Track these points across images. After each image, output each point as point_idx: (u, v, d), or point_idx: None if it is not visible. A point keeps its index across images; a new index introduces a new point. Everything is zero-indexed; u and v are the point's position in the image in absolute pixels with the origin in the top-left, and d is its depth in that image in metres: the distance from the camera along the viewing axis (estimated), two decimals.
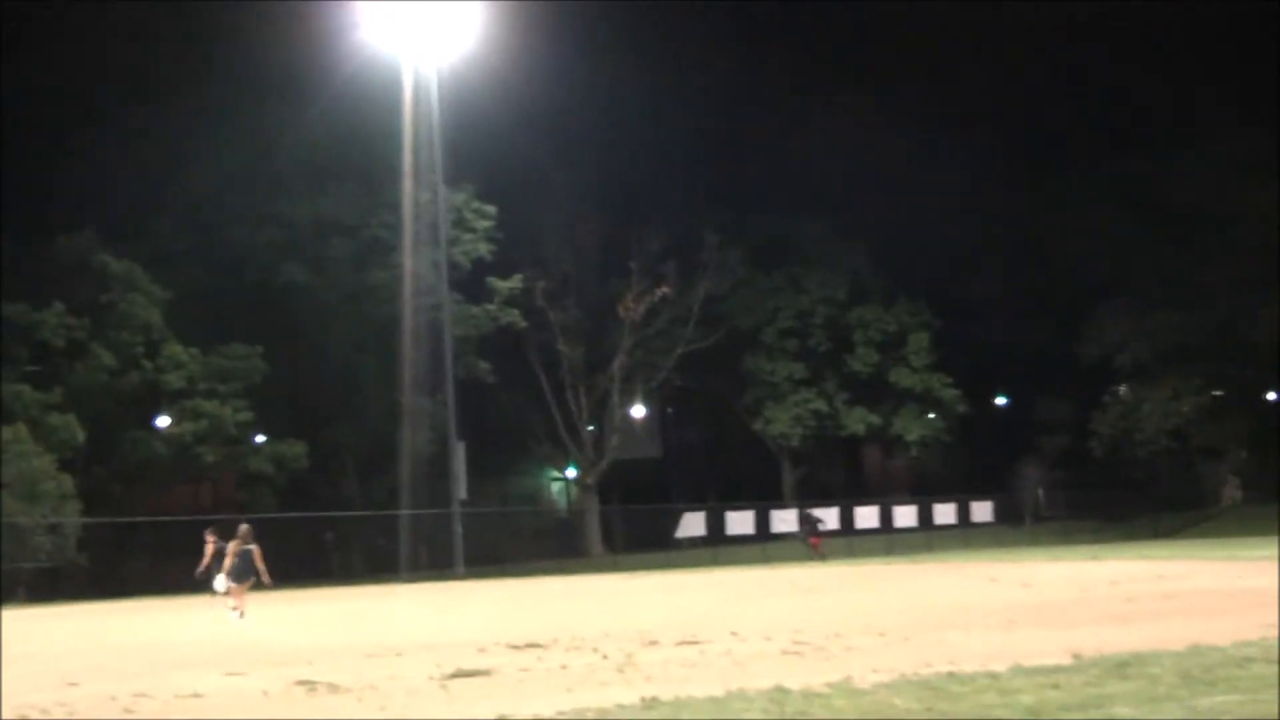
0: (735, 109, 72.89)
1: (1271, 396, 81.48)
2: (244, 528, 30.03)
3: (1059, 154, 78.45)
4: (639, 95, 70.03)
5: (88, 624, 32.35)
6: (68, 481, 53.17)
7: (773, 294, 77.78)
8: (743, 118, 73.16)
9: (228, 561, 29.29)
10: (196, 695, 14.51)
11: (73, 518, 52.72)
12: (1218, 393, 77.68)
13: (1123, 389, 78.68)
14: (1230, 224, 73.12)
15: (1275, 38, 65.95)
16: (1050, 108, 79.72)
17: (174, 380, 58.93)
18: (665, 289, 68.34)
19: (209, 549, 36.30)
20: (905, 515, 71.13)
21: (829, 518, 65.79)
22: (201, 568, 36.09)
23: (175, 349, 59.26)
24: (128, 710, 13.38)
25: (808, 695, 11.59)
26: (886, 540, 64.47)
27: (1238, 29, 71.52)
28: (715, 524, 64.46)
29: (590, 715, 11.06)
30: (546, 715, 11.21)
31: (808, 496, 75.13)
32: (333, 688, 14.39)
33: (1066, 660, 12.87)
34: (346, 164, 62.01)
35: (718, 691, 12.14)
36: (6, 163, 57.86)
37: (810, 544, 55.71)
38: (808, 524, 58.45)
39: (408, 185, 56.98)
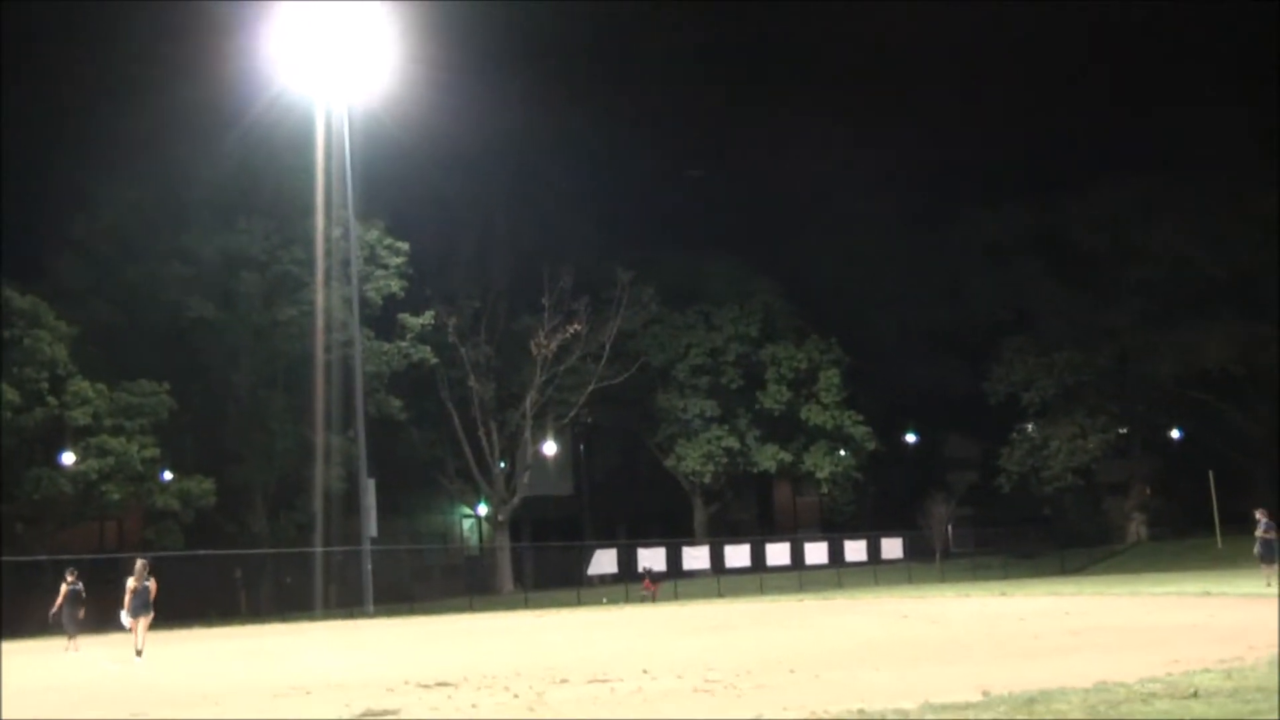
0: (647, 145, 73.30)
1: (1174, 434, 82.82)
2: (140, 563, 29.72)
3: (968, 194, 79.49)
4: (551, 133, 70.36)
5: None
6: None
7: (685, 331, 78.04)
8: (655, 154, 73.53)
9: (127, 598, 28.96)
10: None
11: None
12: (1122, 430, 78.86)
13: (1030, 426, 79.68)
14: (1128, 264, 74.51)
15: (1177, 86, 67.35)
16: (960, 149, 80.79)
17: (79, 416, 58.12)
18: (577, 325, 68.38)
19: (64, 588, 35.86)
20: (816, 552, 71.50)
21: (739, 555, 66.16)
22: (55, 608, 35.60)
23: (81, 385, 58.45)
24: None
25: None
26: (798, 577, 64.74)
27: (1142, 75, 72.88)
28: (626, 561, 64.47)
29: None
30: None
31: (719, 533, 75.33)
32: None
33: (976, 697, 12.97)
34: (256, 199, 61.60)
35: None
36: None
37: (645, 587, 56.03)
38: (646, 573, 58.81)
39: (320, 221, 56.77)
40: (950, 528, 79.65)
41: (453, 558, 76.73)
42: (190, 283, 60.77)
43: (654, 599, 52.65)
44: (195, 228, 61.01)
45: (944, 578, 63.12)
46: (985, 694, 13.16)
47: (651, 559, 59.07)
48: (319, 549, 57.19)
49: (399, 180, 60.24)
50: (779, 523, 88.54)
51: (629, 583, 60.69)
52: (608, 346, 70.80)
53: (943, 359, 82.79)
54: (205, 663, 27.05)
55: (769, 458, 78.78)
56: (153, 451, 58.73)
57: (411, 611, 51.23)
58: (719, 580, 62.95)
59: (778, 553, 69.67)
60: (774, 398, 78.45)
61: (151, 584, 29.25)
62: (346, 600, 54.79)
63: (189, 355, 61.47)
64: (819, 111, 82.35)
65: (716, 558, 68.46)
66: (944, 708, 12.33)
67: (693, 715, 12.79)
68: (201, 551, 55.41)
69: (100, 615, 37.28)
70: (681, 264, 77.25)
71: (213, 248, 60.88)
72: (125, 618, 28.85)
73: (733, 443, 77.80)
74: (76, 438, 58.14)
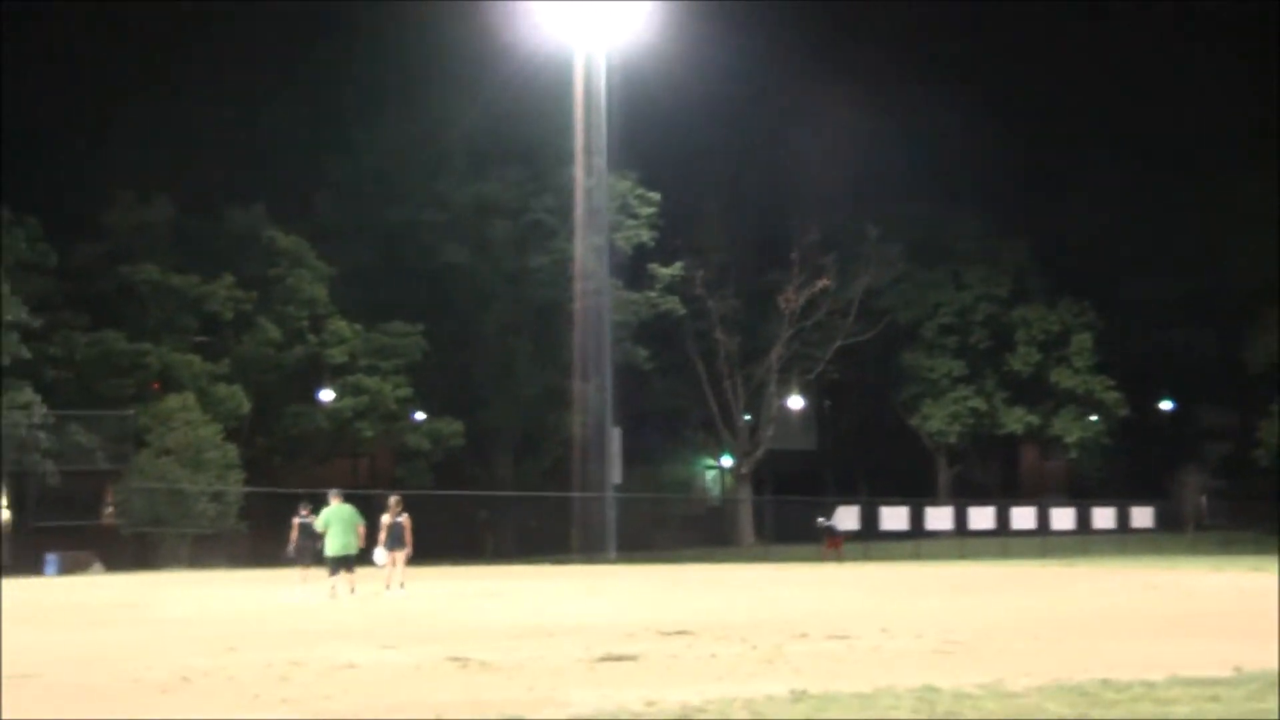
0: (898, 101, 72.18)
1: None
2: (394, 499, 30.43)
3: (1229, 157, 76.63)
4: (804, 87, 69.73)
5: (246, 591, 33.02)
6: (232, 451, 54.40)
7: (933, 289, 77.06)
8: (907, 111, 72.40)
9: (381, 534, 29.67)
10: (350, 666, 14.73)
11: (235, 487, 53.90)
12: None
13: None
14: None
15: None
16: (1224, 109, 77.89)
17: (337, 355, 59.94)
18: (825, 281, 67.93)
19: (296, 522, 36.87)
20: (1062, 517, 70.08)
21: (983, 517, 65.28)
22: (290, 542, 36.64)
23: (339, 324, 60.26)
24: (284, 678, 13.62)
25: (958, 695, 11.46)
26: (1042, 542, 63.60)
27: None
28: (869, 518, 64.04)
29: (738, 705, 11.02)
30: (694, 703, 11.21)
31: (962, 494, 74.39)
32: (483, 665, 14.52)
33: (1226, 673, 12.56)
34: (511, 146, 62.43)
35: (866, 688, 12.05)
36: (183, 138, 59.38)
37: (829, 545, 54.61)
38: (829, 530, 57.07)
39: (576, 171, 57.30)
40: (1204, 499, 77.42)
41: (694, 508, 77.07)
42: (445, 227, 61.93)
43: (839, 558, 51.91)
44: (451, 173, 62.13)
45: (1195, 550, 61.34)
46: (1237, 670, 12.75)
47: (838, 517, 58.23)
48: (563, 494, 57.95)
49: (652, 130, 60.40)
50: (1024, 486, 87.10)
51: (871, 540, 60.29)
52: (855, 303, 70.25)
53: (1199, 325, 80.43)
54: (450, 601, 27.61)
55: (1016, 420, 77.57)
56: (405, 391, 60.26)
57: (651, 559, 51.63)
58: (961, 542, 62.23)
59: (1022, 516, 68.48)
60: (1023, 360, 77.12)
61: (405, 519, 29.95)
62: (588, 546, 55.41)
63: (442, 299, 62.70)
64: (1073, 73, 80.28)
65: (959, 519, 67.65)
66: (1192, 682, 11.98)
67: (931, 677, 12.64)
68: (449, 492, 56.53)
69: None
70: (931, 222, 76.18)
71: (467, 193, 61.93)
72: (379, 553, 29.57)
73: (979, 404, 76.77)
74: (333, 375, 59.91)
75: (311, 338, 59.96)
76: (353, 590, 28.28)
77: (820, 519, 55.02)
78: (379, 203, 62.47)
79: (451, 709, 11.01)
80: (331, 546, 28.77)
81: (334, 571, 28.59)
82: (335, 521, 28.93)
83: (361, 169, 62.80)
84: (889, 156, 72.59)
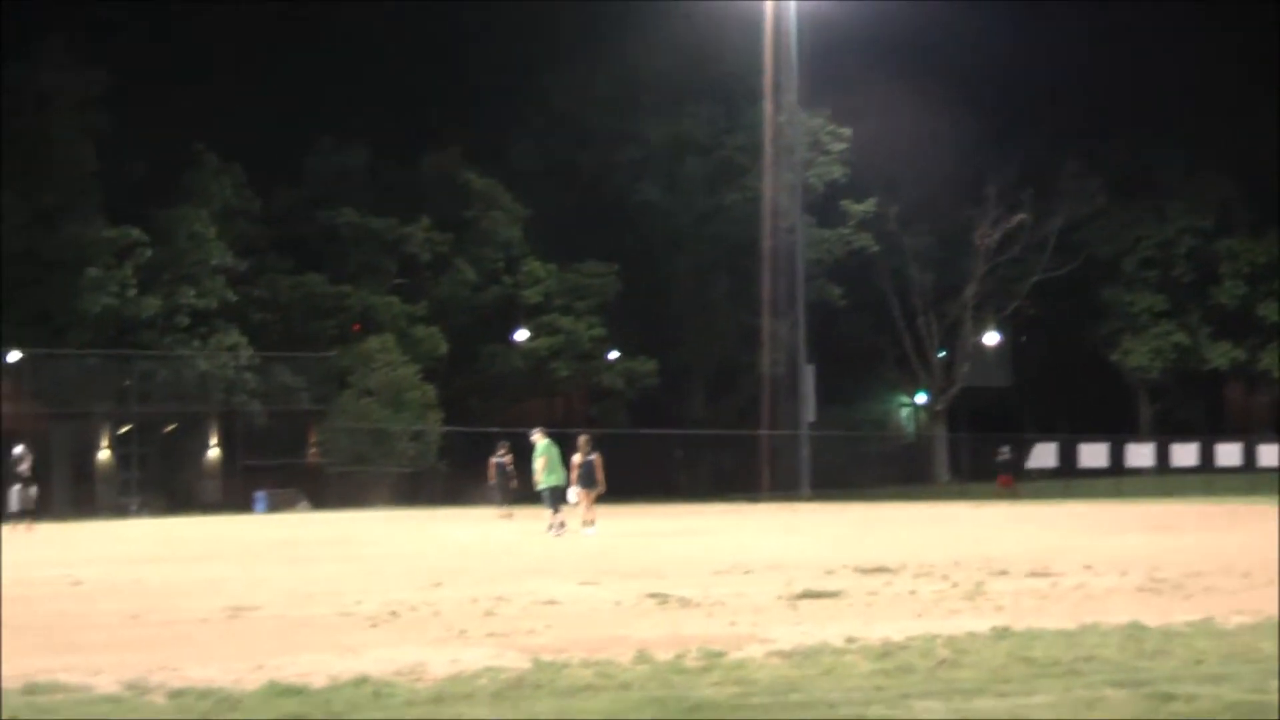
0: (1095, 34, 70.44)
1: None
2: (583, 438, 30.68)
3: None
4: (996, 20, 68.37)
5: (448, 528, 33.67)
6: (430, 391, 55.40)
7: (1133, 223, 75.19)
8: (1104, 43, 70.63)
9: (573, 473, 29.97)
10: (552, 602, 14.96)
11: (434, 426, 54.89)
12: None
13: None
14: None
15: None
16: None
17: (532, 296, 60.63)
18: (1021, 216, 66.79)
19: (493, 461, 37.34)
20: (1270, 454, 68.23)
21: (1186, 454, 63.91)
22: (489, 479, 37.14)
23: (534, 265, 60.92)
24: (489, 613, 13.89)
25: (1167, 633, 11.30)
26: (1249, 479, 61.99)
27: None
28: (1067, 455, 63.04)
29: (940, 643, 10.99)
30: (896, 640, 11.20)
31: (1164, 431, 72.85)
32: (683, 602, 14.65)
33: None
34: (703, 84, 62.29)
35: (1070, 625, 11.95)
36: (380, 84, 60.27)
37: (1001, 483, 53.39)
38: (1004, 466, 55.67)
39: (767, 107, 57.00)
40: None
41: (888, 445, 76.62)
42: (638, 167, 62.11)
43: (1014, 495, 51.02)
44: (644, 113, 62.20)
45: None
46: None
47: (1017, 454, 57.07)
48: (756, 432, 57.99)
49: (844, 64, 59.77)
50: (1229, 422, 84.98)
51: (1069, 478, 59.39)
52: (1052, 238, 68.99)
53: None
54: (646, 538, 27.88)
55: (1221, 355, 75.58)
56: (599, 331, 60.75)
57: (846, 497, 51.49)
58: (1164, 479, 60.99)
59: (1228, 453, 66.71)
60: (1229, 293, 75.06)
61: (596, 458, 30.24)
62: (782, 484, 55.43)
63: (635, 238, 62.91)
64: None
65: (1161, 456, 66.26)
66: None
67: (1138, 614, 12.46)
68: (643, 430, 56.92)
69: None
70: (1131, 155, 74.36)
71: (660, 133, 61.98)
72: (572, 492, 29.91)
73: (1182, 338, 74.95)
74: (529, 316, 60.59)
75: (507, 279, 60.73)
76: (563, 525, 28.68)
77: (1001, 451, 54.36)
78: (573, 144, 62.83)
79: (653, 644, 11.13)
80: (545, 480, 29.29)
81: (555, 505, 29.10)
82: (545, 456, 29.45)
83: (555, 110, 63.18)
84: (1088, 89, 70.99)
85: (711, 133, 62.69)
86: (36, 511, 37.81)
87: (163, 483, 54.08)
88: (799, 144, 58.28)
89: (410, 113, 62.32)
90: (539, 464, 29.60)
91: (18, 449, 38.42)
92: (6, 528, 35.78)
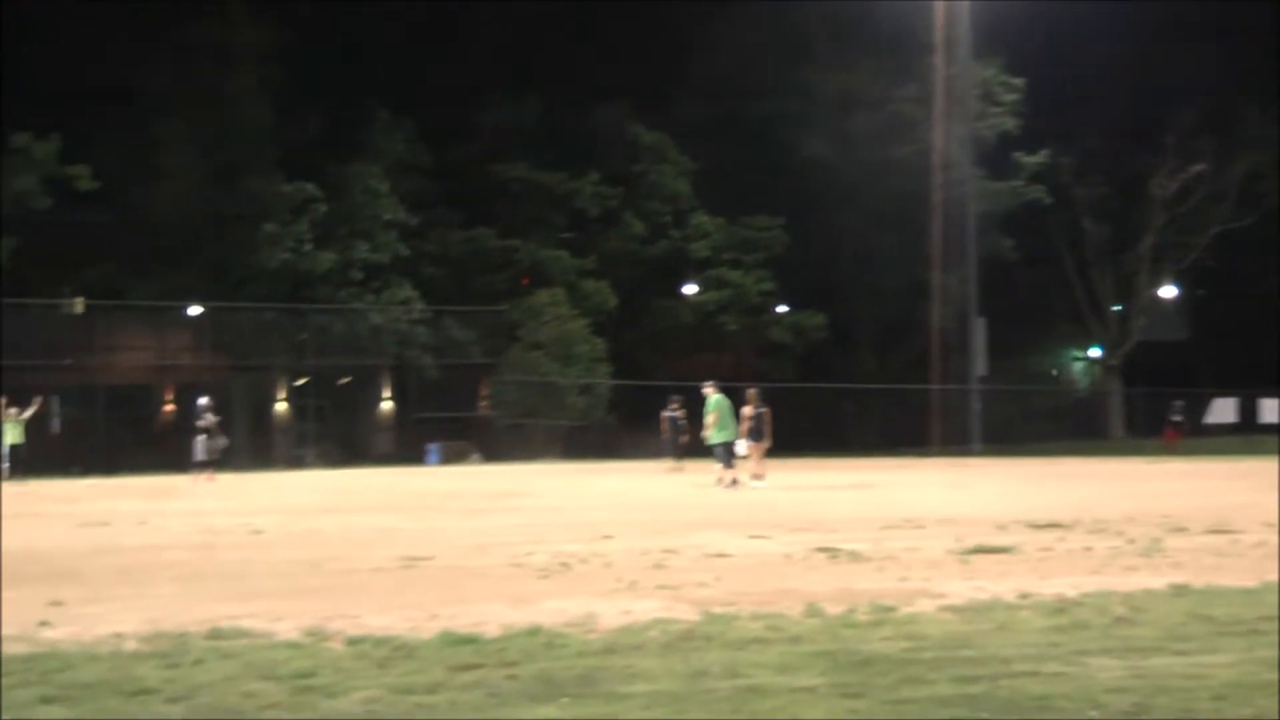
0: None
1: None
2: (751, 392, 30.71)
3: None
4: None
5: (616, 481, 33.90)
6: (599, 345, 55.75)
7: None
8: None
9: (744, 426, 29.99)
10: (722, 555, 15.01)
11: (603, 380, 55.25)
12: None
13: None
14: None
15: None
16: None
17: (700, 249, 60.73)
18: (1201, 166, 65.23)
19: (665, 415, 37.45)
20: None
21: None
22: (663, 434, 37.29)
23: (702, 219, 60.97)
24: (658, 565, 13.97)
25: None
26: None
27: None
28: (1247, 411, 61.67)
29: (1115, 600, 10.83)
30: (1070, 596, 11.07)
31: None
32: (854, 556, 14.61)
33: None
34: (873, 36, 61.60)
35: (1251, 582, 11.71)
36: (550, 37, 60.53)
37: (1167, 438, 51.91)
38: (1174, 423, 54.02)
39: (938, 59, 56.29)
40: None
41: (1061, 400, 75.52)
42: (805, 120, 61.68)
43: (1175, 451, 49.77)
44: (813, 65, 61.71)
45: None
46: None
47: (1187, 411, 55.65)
48: (926, 386, 57.51)
49: (1016, 13, 58.73)
50: None
51: (1250, 433, 58.09)
52: (1233, 188, 67.30)
53: None
54: (815, 492, 27.82)
55: None
56: (768, 285, 60.67)
57: (1018, 452, 50.88)
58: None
59: None
60: None
61: (765, 411, 30.23)
62: (953, 439, 54.97)
63: (803, 191, 62.53)
64: None
65: None
66: None
67: None
68: (811, 384, 56.72)
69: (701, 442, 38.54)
70: None
71: (828, 85, 61.46)
72: (741, 445, 29.93)
73: None
74: (697, 270, 60.68)
75: (675, 232, 60.86)
76: (735, 481, 28.76)
77: (1174, 406, 53.30)
78: (740, 97, 62.55)
79: (824, 598, 11.11)
80: (717, 435, 29.39)
81: (726, 460, 29.19)
82: (717, 411, 29.54)
83: (723, 63, 62.92)
84: (1271, 31, 68.97)
85: (880, 86, 62.03)
86: (220, 462, 38.73)
87: (337, 434, 55.16)
88: (970, 96, 57.48)
89: (580, 67, 62.49)
90: (710, 419, 29.69)
91: (202, 400, 39.31)
92: (189, 478, 36.78)
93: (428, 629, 9.85)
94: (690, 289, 61.32)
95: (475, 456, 51.70)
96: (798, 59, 61.84)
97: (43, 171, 47.27)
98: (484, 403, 58.18)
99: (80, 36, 50.34)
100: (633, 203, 59.81)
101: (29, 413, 39.13)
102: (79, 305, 49.92)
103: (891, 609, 10.42)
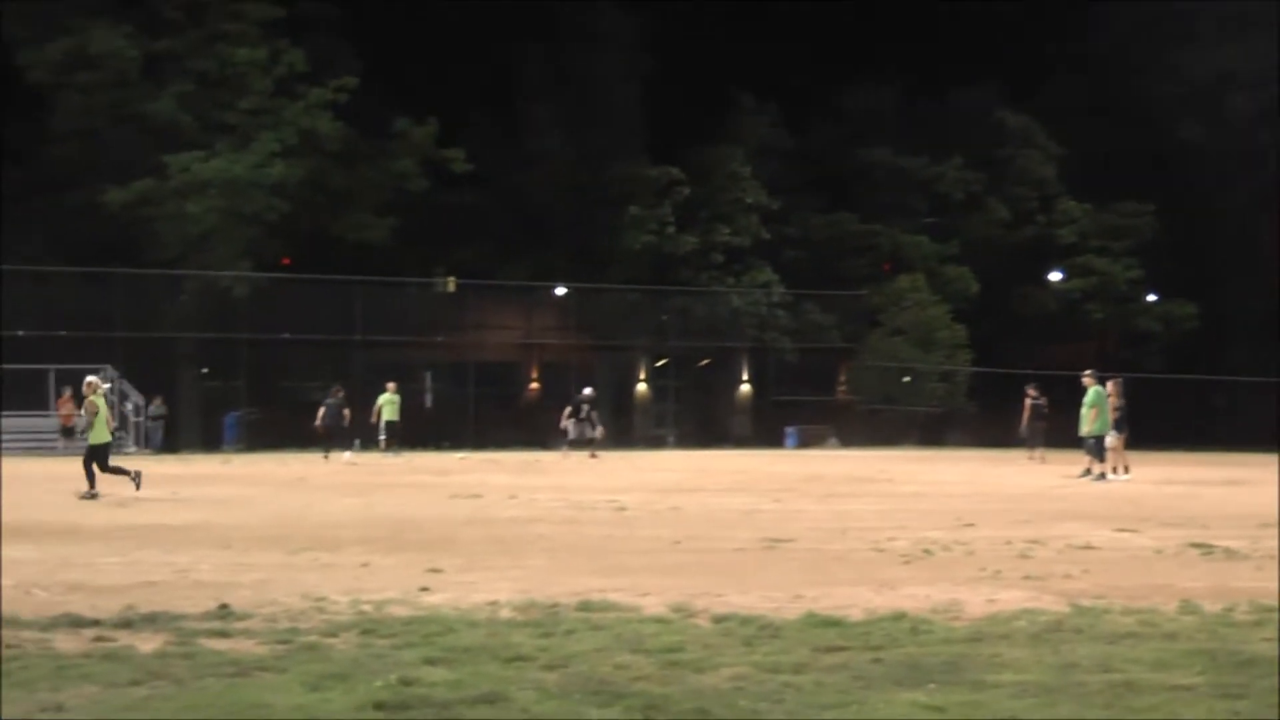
0: None
1: None
2: (1114, 383, 29.77)
3: None
4: None
5: (978, 470, 33.45)
6: (961, 331, 55.05)
7: None
8: None
9: (1112, 415, 29.18)
10: (1088, 547, 14.69)
11: (964, 367, 54.55)
12: None
13: None
14: None
15: None
16: None
17: (1066, 236, 59.38)
18: None
19: (1028, 404, 36.56)
20: None
21: None
22: (1023, 425, 36.46)
23: (1068, 204, 59.61)
24: (1023, 555, 13.76)
25: None
26: None
27: None
28: None
29: None
30: None
31: None
32: (1229, 553, 14.13)
33: None
34: (1252, 15, 59.03)
35: None
36: (914, 19, 60.01)
37: None
38: None
39: None
40: None
41: None
42: (1179, 103, 59.59)
43: None
44: (1191, 45, 59.52)
45: None
46: None
47: None
48: None
49: None
50: None
51: None
52: None
53: None
54: (1184, 486, 26.93)
55: None
56: (1136, 272, 58.97)
57: None
58: None
59: None
60: None
61: (1123, 403, 29.37)
62: None
63: (1175, 178, 60.46)
64: None
65: None
66: None
67: None
68: (1179, 376, 54.80)
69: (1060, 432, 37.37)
70: None
71: (1207, 66, 59.20)
72: (1110, 436, 29.08)
73: None
74: (1062, 257, 59.36)
75: (1040, 218, 59.64)
76: (1104, 475, 28.08)
77: None
78: (1113, 79, 60.78)
79: (1200, 595, 10.79)
80: (1094, 428, 28.68)
81: (1100, 454, 28.51)
82: (1097, 405, 28.82)
83: (1093, 45, 61.24)
84: None
85: (1262, 66, 59.37)
86: (597, 442, 39.52)
87: (695, 415, 55.85)
88: None
89: (942, 50, 61.74)
90: (1090, 412, 28.85)
91: (587, 390, 40.29)
92: (560, 454, 37.90)
93: (791, 610, 9.92)
94: (1055, 276, 59.98)
95: (833, 441, 51.71)
96: (1172, 40, 59.69)
97: (420, 155, 49.12)
98: (842, 387, 58.14)
99: (456, 25, 52.19)
100: (997, 187, 58.85)
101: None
102: (451, 284, 51.68)
103: (1274, 609, 10.01)
